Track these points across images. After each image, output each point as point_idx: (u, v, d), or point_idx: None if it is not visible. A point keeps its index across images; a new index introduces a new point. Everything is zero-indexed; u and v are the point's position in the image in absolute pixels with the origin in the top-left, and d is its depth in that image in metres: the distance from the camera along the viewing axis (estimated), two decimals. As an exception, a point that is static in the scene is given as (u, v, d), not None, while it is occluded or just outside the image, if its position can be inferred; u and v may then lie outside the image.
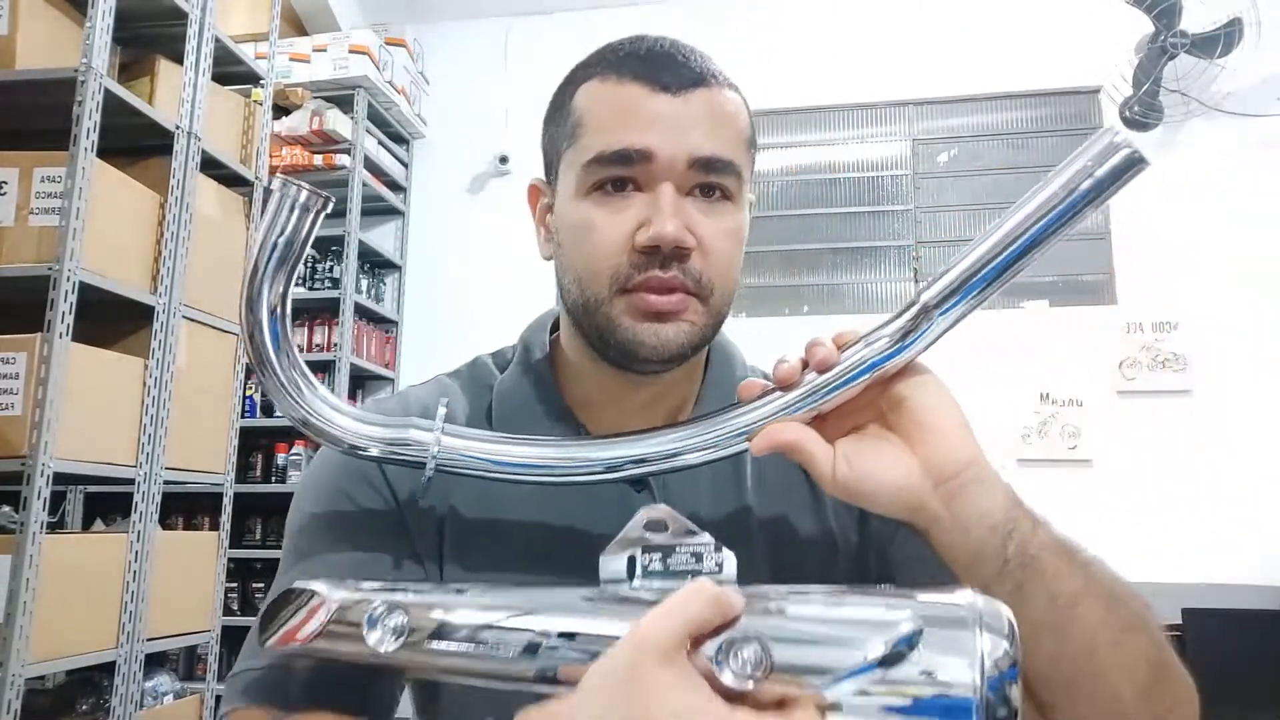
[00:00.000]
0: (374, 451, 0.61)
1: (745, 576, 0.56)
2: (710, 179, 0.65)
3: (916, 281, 3.83)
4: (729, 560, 0.51)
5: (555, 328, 0.76)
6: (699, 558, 0.51)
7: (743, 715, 0.42)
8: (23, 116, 2.25)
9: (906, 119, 3.95)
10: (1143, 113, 3.52)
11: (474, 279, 4.01)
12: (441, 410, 0.63)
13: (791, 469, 0.69)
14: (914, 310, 0.58)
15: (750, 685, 0.44)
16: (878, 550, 0.72)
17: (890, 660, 0.44)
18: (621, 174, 0.64)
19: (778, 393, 0.59)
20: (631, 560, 0.52)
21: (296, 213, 0.58)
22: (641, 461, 0.61)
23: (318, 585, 0.55)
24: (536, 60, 4.13)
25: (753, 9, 4.02)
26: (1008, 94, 3.84)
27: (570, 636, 0.49)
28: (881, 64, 3.90)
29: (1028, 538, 0.56)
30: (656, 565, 0.52)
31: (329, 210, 0.60)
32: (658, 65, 0.65)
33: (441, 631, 0.51)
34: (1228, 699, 2.41)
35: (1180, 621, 2.50)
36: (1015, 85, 3.82)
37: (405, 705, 0.73)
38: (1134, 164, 0.55)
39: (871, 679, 0.44)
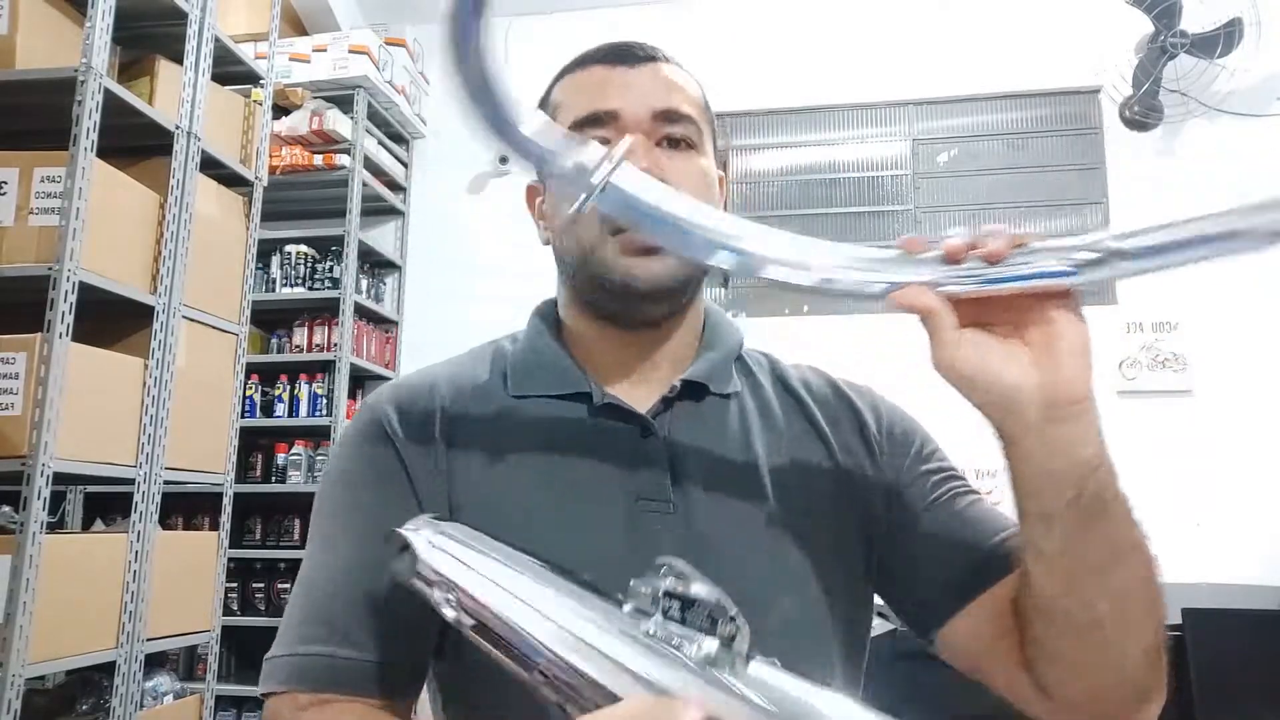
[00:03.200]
0: (558, 161, 0.61)
1: (744, 520, 0.67)
2: (673, 129, 0.74)
3: (916, 281, 3.84)
4: (742, 633, 0.50)
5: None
6: (714, 622, 0.51)
7: None
8: (23, 116, 2.24)
9: (906, 119, 3.95)
10: (1143, 113, 3.52)
11: (474, 279, 4.00)
12: (623, 144, 0.63)
13: (799, 419, 0.78)
14: (1101, 247, 0.57)
15: None
16: (897, 521, 0.75)
17: None
18: (596, 135, 0.70)
19: (938, 262, 0.58)
20: (654, 599, 0.53)
21: None
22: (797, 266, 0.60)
23: (412, 532, 0.57)
24: (536, 60, 4.10)
25: (752, 9, 4.02)
26: (1008, 94, 3.84)
27: (580, 674, 0.51)
28: (881, 64, 3.90)
29: (1107, 482, 0.58)
30: (675, 613, 0.52)
31: None
32: (615, 51, 0.76)
33: (481, 625, 0.54)
34: (1228, 699, 2.42)
35: (1180, 621, 2.50)
36: (1015, 85, 3.82)
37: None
38: None
39: None
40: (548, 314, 0.81)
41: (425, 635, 0.69)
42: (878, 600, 0.77)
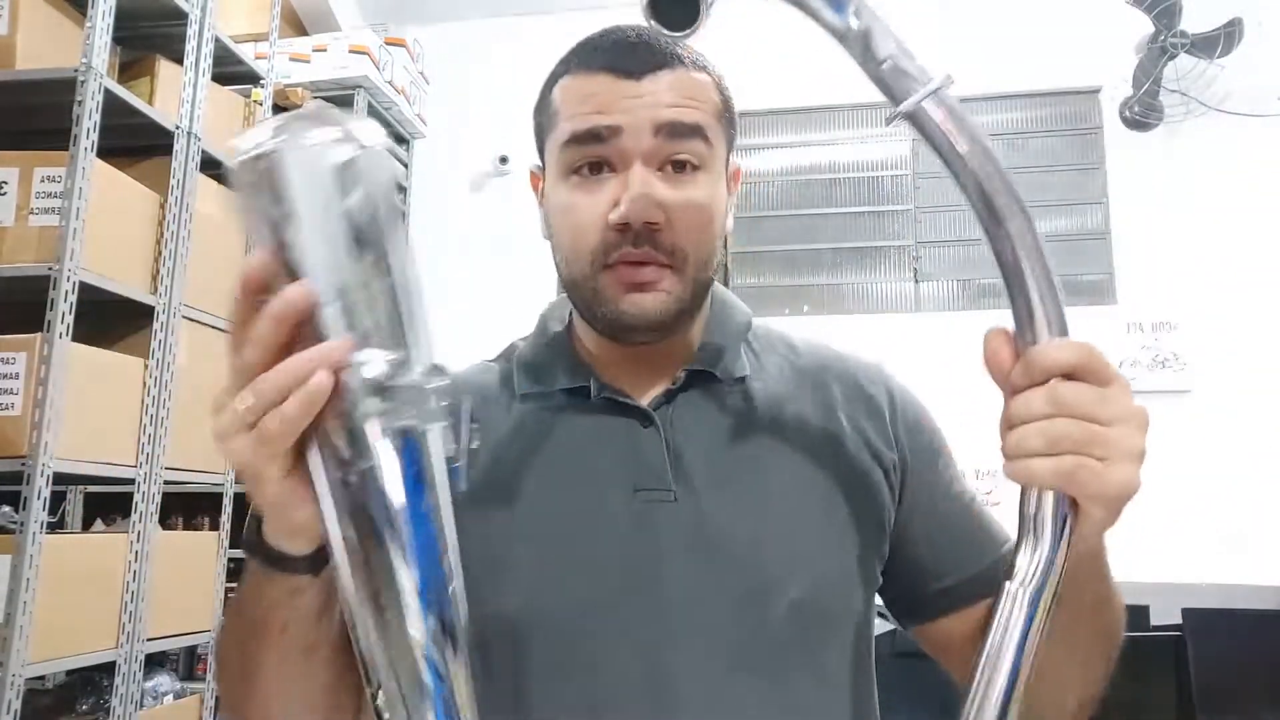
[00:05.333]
0: None
1: (752, 507, 0.67)
2: (677, 147, 0.68)
3: (916, 282, 3.84)
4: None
5: None
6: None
7: None
8: (23, 116, 2.25)
9: (906, 119, 3.94)
10: (1143, 113, 3.52)
11: (474, 279, 4.00)
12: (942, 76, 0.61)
13: (813, 402, 0.75)
14: None
15: None
16: (906, 512, 0.74)
17: None
18: (595, 153, 0.68)
19: None
20: None
21: None
22: None
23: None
24: (536, 60, 4.10)
25: (753, 9, 4.01)
26: (1008, 94, 3.84)
27: None
28: (881, 64, 3.90)
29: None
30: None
31: None
32: (623, 54, 0.69)
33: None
34: (1228, 699, 2.42)
35: (1180, 621, 2.50)
36: (1015, 85, 3.82)
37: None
38: None
39: None
40: (552, 314, 0.80)
41: None
42: (877, 600, 0.76)
